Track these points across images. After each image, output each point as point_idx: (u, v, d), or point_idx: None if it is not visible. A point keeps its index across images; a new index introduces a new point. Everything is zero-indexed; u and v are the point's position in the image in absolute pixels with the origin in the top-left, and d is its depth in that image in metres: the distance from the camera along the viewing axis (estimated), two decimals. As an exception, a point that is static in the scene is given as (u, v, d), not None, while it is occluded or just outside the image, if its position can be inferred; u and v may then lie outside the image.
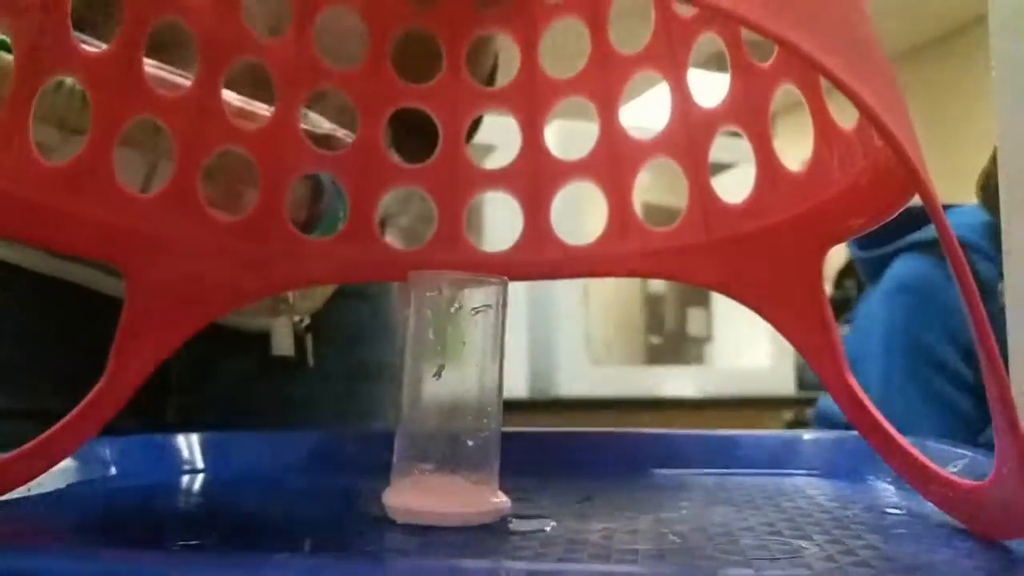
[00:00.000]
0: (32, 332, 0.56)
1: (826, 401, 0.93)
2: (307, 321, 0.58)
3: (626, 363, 2.76)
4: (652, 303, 2.86)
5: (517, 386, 2.05)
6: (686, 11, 0.38)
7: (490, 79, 0.60)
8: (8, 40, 0.33)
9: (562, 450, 0.45)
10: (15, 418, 0.52)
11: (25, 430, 0.35)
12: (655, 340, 2.85)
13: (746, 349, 2.43)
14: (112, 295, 0.54)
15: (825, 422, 0.94)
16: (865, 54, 0.20)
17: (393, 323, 0.72)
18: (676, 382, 2.38)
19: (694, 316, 2.74)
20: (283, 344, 0.57)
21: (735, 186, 0.36)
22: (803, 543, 0.28)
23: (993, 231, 0.86)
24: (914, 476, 0.32)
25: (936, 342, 0.84)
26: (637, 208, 0.41)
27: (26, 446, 0.34)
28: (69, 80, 0.39)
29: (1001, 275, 0.92)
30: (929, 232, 0.88)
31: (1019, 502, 0.25)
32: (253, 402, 0.60)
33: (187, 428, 0.47)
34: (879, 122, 0.19)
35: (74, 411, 0.36)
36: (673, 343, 2.80)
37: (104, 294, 0.53)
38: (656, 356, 2.79)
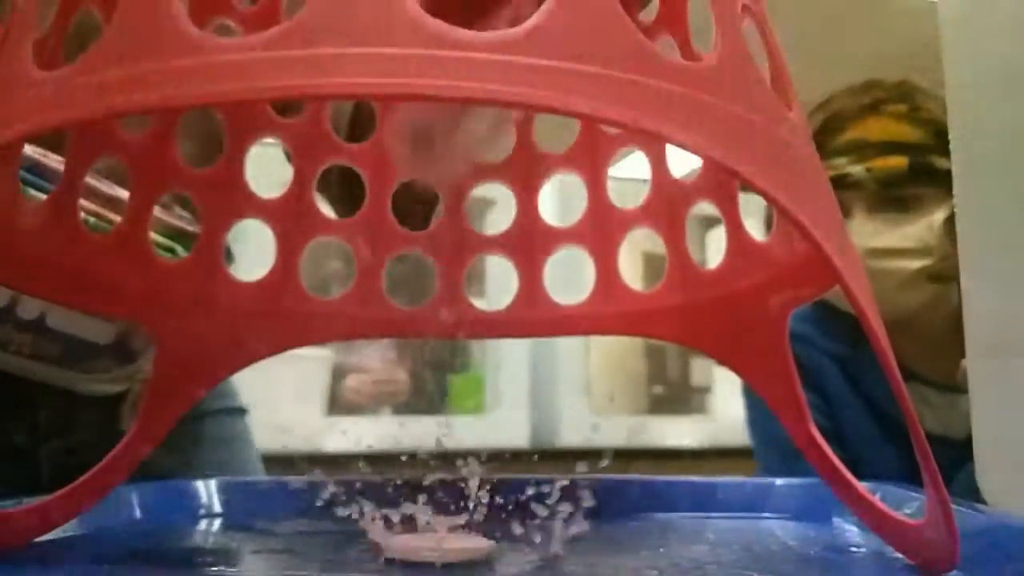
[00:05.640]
0: None
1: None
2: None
3: (629, 413, 2.76)
4: (655, 353, 2.87)
5: (519, 436, 2.06)
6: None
7: None
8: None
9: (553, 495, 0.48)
10: None
11: None
12: (658, 390, 2.85)
13: (747, 399, 2.43)
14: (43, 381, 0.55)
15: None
16: (799, 170, 0.24)
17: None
18: (679, 432, 2.39)
19: (697, 366, 2.75)
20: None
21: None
22: (764, 577, 0.31)
23: (809, 315, 0.91)
24: (869, 517, 0.35)
25: None
26: (637, 258, 0.45)
27: (60, 492, 0.38)
28: None
29: (827, 354, 0.97)
30: None
31: (945, 541, 0.28)
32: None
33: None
34: (807, 233, 0.22)
35: (104, 461, 0.39)
36: (676, 393, 2.81)
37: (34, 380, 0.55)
38: (659, 406, 2.80)
